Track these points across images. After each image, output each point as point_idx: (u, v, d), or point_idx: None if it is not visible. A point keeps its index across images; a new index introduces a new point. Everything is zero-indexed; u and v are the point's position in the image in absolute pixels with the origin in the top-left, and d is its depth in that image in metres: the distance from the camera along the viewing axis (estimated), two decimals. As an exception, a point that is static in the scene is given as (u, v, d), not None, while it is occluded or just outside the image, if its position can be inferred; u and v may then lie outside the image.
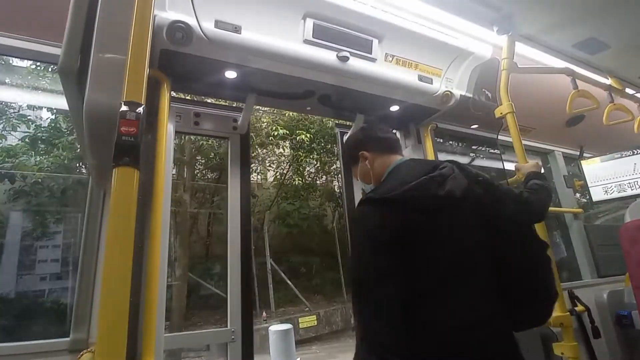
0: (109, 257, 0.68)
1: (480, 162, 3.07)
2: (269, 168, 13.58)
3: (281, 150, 13.05)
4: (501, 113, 2.07)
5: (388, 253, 1.04)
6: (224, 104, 2.27)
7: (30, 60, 1.87)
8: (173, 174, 3.22)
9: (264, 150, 12.47)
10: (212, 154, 10.36)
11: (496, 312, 1.12)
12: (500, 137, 2.52)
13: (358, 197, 2.41)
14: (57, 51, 1.58)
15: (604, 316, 2.87)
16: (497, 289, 1.14)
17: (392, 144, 1.41)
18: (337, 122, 2.61)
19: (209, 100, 2.09)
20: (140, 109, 0.76)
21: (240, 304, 1.82)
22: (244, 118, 2.05)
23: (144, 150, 1.50)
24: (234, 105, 2.18)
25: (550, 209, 2.56)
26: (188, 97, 2.20)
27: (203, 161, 11.30)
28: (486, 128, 2.61)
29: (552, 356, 1.86)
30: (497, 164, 3.08)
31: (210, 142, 9.64)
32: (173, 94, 1.90)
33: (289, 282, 12.44)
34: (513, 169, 2.09)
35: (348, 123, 2.50)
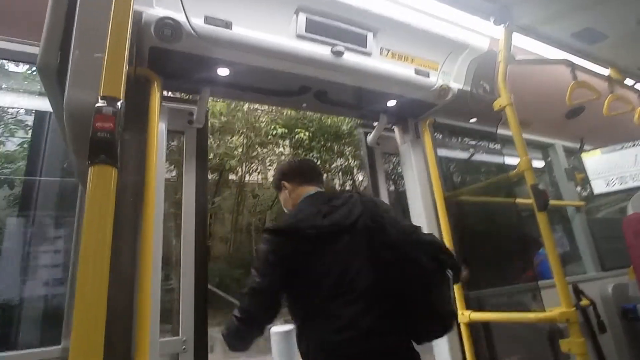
0: (84, 262, 0.64)
1: (480, 156, 3.03)
2: (269, 168, 13.54)
3: (281, 149, 13.01)
4: (500, 106, 2.03)
5: (274, 274, 1.28)
6: (179, 97, 2.16)
7: (15, 61, 1.83)
8: (173, 175, 3.17)
9: (264, 150, 12.43)
10: (212, 155, 10.30)
11: (383, 328, 1.25)
12: (499, 131, 2.48)
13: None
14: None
15: (610, 310, 2.84)
16: (388, 308, 1.28)
17: (311, 176, 1.61)
18: (360, 122, 2.60)
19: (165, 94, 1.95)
20: (118, 104, 0.73)
21: (193, 311, 1.66)
22: (199, 111, 1.90)
23: (134, 151, 1.49)
24: (188, 98, 2.02)
25: (552, 202, 2.52)
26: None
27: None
28: (485, 122, 2.57)
29: (559, 353, 1.82)
30: (497, 159, 3.04)
31: (209, 143, 9.59)
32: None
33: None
34: (513, 163, 2.06)
35: (374, 124, 2.52)
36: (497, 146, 2.76)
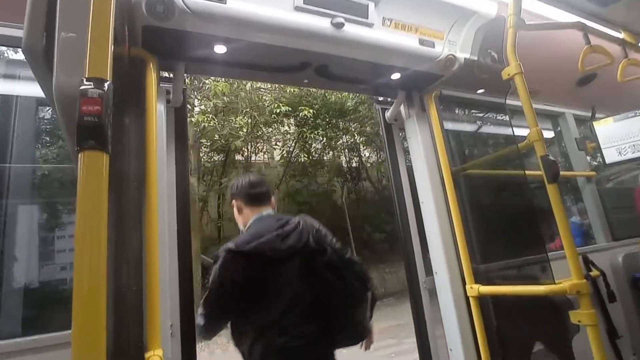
0: (79, 250, 0.63)
1: (488, 128, 2.95)
2: (275, 147, 13.49)
3: (286, 128, 12.91)
4: (509, 75, 1.95)
5: (230, 296, 1.48)
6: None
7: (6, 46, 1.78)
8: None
9: (269, 129, 12.35)
10: (217, 136, 10.27)
11: (322, 337, 1.54)
12: (508, 102, 2.41)
13: (405, 181, 2.44)
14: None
15: (619, 280, 2.82)
16: (325, 319, 1.55)
17: (259, 198, 1.75)
18: (379, 99, 2.55)
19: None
20: (105, 85, 0.69)
21: (179, 295, 1.60)
22: (175, 90, 1.79)
23: (134, 134, 1.46)
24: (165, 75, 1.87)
25: (563, 173, 2.46)
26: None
27: (208, 143, 11.24)
28: (493, 92, 2.49)
29: (567, 324, 1.82)
30: (506, 130, 2.97)
31: (212, 124, 9.54)
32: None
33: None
34: (523, 134, 2.00)
35: (389, 99, 2.49)
36: (506, 117, 2.68)
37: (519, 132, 2.33)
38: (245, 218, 1.73)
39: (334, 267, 1.58)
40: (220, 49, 1.69)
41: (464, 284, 2.13)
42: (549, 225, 2.43)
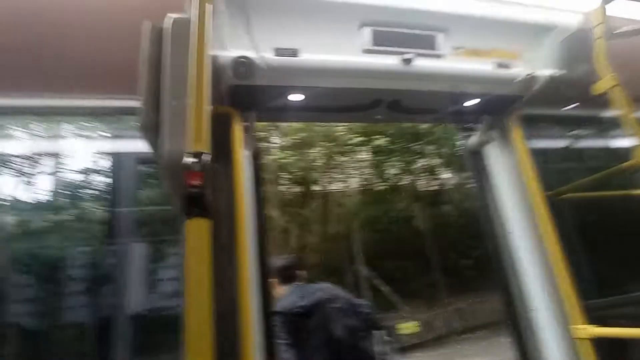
0: (189, 306, 0.72)
1: (581, 143, 2.67)
2: (351, 175, 13.62)
3: (361, 156, 13.01)
4: (603, 88, 1.78)
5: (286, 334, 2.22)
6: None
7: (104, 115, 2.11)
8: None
9: (344, 158, 12.55)
10: (295, 169, 10.72)
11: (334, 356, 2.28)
12: (605, 113, 2.17)
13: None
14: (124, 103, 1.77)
15: None
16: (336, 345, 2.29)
17: (289, 277, 2.54)
18: (461, 126, 2.50)
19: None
20: (205, 158, 0.80)
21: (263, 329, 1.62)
22: (250, 137, 1.87)
23: (223, 181, 1.61)
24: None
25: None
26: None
27: (288, 176, 11.75)
28: (584, 106, 2.27)
29: None
30: (605, 143, 2.67)
31: (291, 159, 9.99)
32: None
33: (382, 288, 12.20)
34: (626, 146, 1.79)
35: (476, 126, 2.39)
36: (605, 131, 2.42)
37: (622, 143, 2.09)
38: (278, 293, 2.46)
39: (346, 314, 2.37)
40: (294, 97, 1.81)
41: (570, 323, 1.89)
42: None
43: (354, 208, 13.57)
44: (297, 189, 12.91)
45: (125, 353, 1.90)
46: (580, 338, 1.81)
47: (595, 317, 1.88)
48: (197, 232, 0.77)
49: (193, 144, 0.81)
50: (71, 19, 1.62)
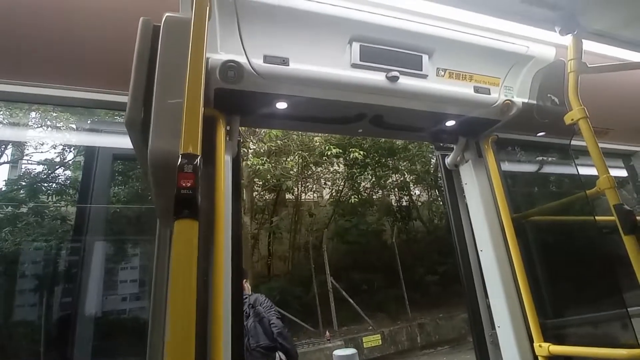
0: (174, 303, 0.71)
1: (552, 171, 2.82)
2: (325, 186, 13.68)
3: (335, 167, 13.11)
4: (572, 119, 1.89)
5: None
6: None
7: (92, 108, 2.06)
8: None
9: (319, 169, 12.61)
10: (269, 176, 10.65)
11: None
12: (573, 143, 2.30)
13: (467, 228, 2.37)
14: (115, 98, 1.74)
15: None
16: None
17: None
18: (440, 144, 2.55)
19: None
20: (197, 161, 0.79)
21: (230, 334, 1.56)
22: (232, 142, 1.88)
23: (205, 182, 1.58)
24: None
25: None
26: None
27: (261, 183, 11.66)
28: (555, 134, 2.40)
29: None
30: (572, 171, 2.82)
31: (266, 166, 9.94)
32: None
33: (350, 300, 12.23)
34: (589, 173, 1.90)
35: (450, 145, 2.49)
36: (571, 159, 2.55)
37: (585, 171, 2.21)
38: None
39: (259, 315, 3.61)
40: (279, 104, 1.82)
41: (531, 341, 1.97)
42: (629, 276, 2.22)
43: (325, 218, 13.61)
44: (269, 196, 12.83)
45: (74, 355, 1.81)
46: (541, 356, 1.89)
47: (554, 335, 1.97)
48: (185, 232, 0.76)
49: (185, 145, 0.80)
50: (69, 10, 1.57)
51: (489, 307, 2.19)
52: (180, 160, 0.78)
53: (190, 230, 0.76)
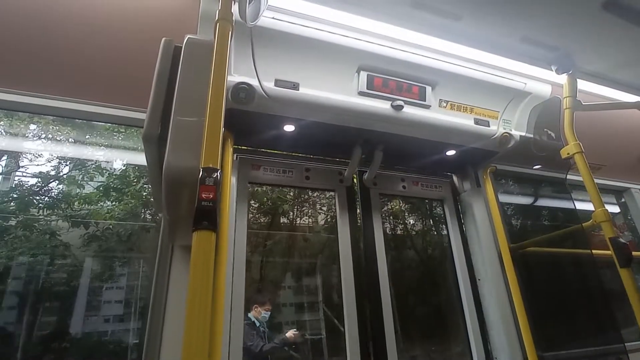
0: (190, 313, 0.72)
1: (549, 203, 2.87)
2: (320, 211, 13.64)
3: (331, 193, 13.09)
4: (568, 154, 1.96)
5: None
6: (329, 159, 2.31)
7: (109, 123, 2.10)
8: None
9: (315, 193, 12.60)
10: (265, 199, 10.61)
11: None
12: (569, 177, 2.36)
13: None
14: (131, 114, 1.78)
15: None
16: None
17: None
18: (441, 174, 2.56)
19: (319, 157, 2.25)
20: (217, 174, 0.82)
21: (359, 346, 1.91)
22: (349, 171, 2.17)
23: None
24: (336, 160, 2.28)
25: (636, 254, 2.30)
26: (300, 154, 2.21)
27: (256, 205, 11.59)
28: (551, 168, 2.46)
29: None
30: (568, 204, 2.87)
31: (264, 188, 9.91)
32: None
33: (342, 328, 11.90)
34: (586, 208, 1.94)
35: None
36: (566, 192, 2.61)
37: (582, 206, 2.26)
38: None
39: None
40: (288, 127, 1.87)
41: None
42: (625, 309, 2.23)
43: (318, 244, 13.49)
44: (264, 219, 12.74)
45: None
46: (539, 389, 1.87)
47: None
48: (204, 243, 0.78)
49: (206, 160, 0.83)
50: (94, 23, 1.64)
51: (486, 338, 2.17)
52: (201, 173, 0.81)
53: (208, 241, 0.78)
